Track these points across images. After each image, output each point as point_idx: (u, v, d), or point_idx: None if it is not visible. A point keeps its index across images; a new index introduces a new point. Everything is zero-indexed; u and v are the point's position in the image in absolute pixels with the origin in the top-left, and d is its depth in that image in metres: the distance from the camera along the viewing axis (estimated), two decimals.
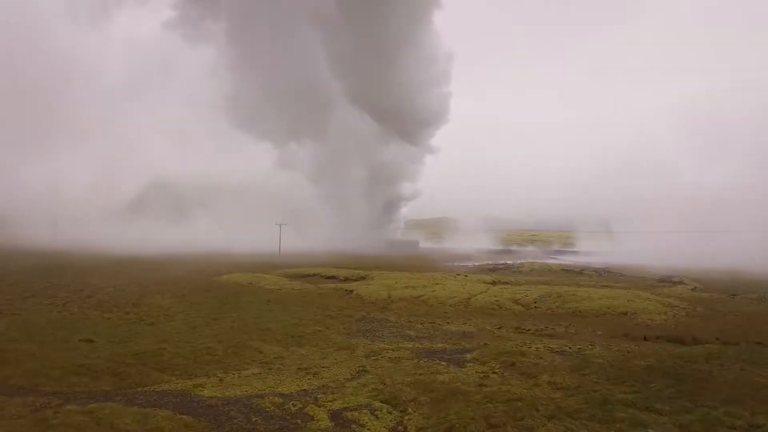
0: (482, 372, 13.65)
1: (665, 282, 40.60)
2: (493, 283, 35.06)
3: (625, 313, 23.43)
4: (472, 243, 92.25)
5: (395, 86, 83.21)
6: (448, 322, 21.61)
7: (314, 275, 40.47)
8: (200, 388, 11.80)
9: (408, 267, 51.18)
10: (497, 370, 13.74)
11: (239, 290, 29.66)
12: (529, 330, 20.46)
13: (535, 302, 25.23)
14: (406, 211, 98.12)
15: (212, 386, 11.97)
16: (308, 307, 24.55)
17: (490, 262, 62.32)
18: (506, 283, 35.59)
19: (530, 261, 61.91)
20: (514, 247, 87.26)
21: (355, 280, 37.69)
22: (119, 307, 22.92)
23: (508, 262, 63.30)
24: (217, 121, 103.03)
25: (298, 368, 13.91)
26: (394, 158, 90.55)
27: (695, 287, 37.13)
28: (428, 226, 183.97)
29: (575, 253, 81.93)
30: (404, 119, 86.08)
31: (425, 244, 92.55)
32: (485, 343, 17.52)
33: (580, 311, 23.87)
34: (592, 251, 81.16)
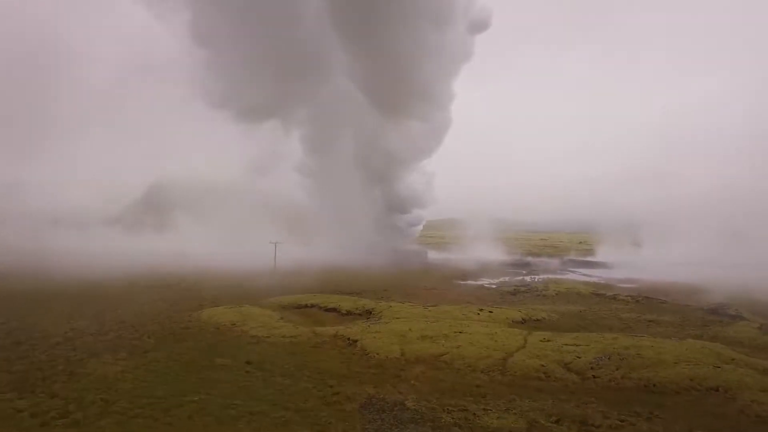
0: None
1: (720, 315, 34.77)
2: (524, 321, 29.42)
3: (716, 389, 17.70)
4: (483, 251, 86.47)
5: (396, 45, 70.36)
6: (485, 409, 15.95)
7: (312, 306, 34.92)
8: None
9: (418, 289, 45.67)
10: None
11: (217, 340, 24.07)
12: (599, 427, 14.79)
13: (592, 367, 19.53)
14: (421, 216, 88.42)
15: None
16: (299, 376, 18.92)
17: (507, 279, 56.61)
18: (538, 321, 29.93)
19: (553, 279, 56.12)
20: (528, 258, 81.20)
21: (360, 315, 32.16)
22: (47, 382, 17.37)
23: (527, 279, 57.59)
24: (195, 104, 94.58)
25: None
26: (399, 149, 78.91)
27: (761, 325, 31.31)
28: (434, 227, 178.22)
29: (595, 264, 75.81)
30: (402, 90, 73.27)
31: (433, 254, 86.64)
32: None
33: (654, 385, 18.14)
34: (613, 262, 75.02)
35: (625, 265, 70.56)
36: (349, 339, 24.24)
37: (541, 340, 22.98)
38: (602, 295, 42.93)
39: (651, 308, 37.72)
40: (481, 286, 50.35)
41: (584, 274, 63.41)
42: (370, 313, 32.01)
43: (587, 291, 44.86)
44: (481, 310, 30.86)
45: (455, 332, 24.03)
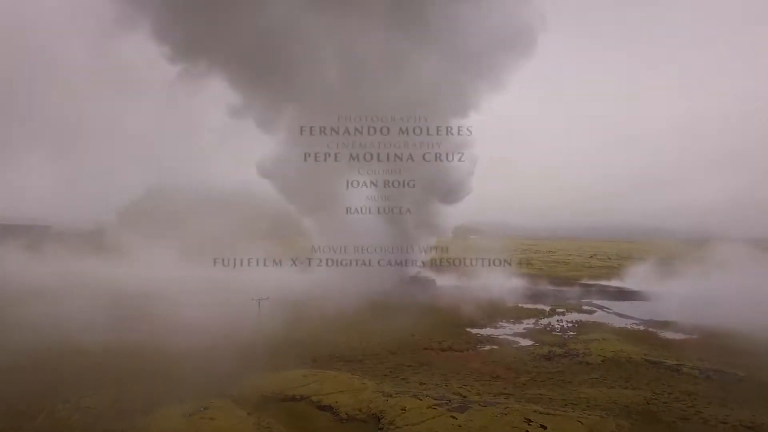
0: None
1: None
2: None
3: None
4: (491, 272, 78.06)
5: None
6: None
7: (301, 399, 26.78)
8: None
9: (432, 350, 37.98)
10: None
11: None
12: None
13: None
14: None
15: None
16: None
17: (531, 325, 48.52)
18: None
19: (585, 324, 48.13)
20: (546, 287, 72.88)
21: (364, 422, 24.16)
22: None
23: (554, 323, 49.50)
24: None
25: None
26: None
27: None
28: None
29: (628, 295, 67.37)
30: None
31: (438, 277, 78.33)
32: None
33: None
34: (648, 292, 66.38)
35: (664, 296, 61.66)
36: None
37: None
38: (660, 365, 34.73)
39: (732, 392, 29.71)
40: (505, 341, 42.33)
41: (620, 314, 55.01)
42: (378, 420, 23.92)
43: (638, 356, 36.59)
44: (529, 422, 22.73)
45: None
